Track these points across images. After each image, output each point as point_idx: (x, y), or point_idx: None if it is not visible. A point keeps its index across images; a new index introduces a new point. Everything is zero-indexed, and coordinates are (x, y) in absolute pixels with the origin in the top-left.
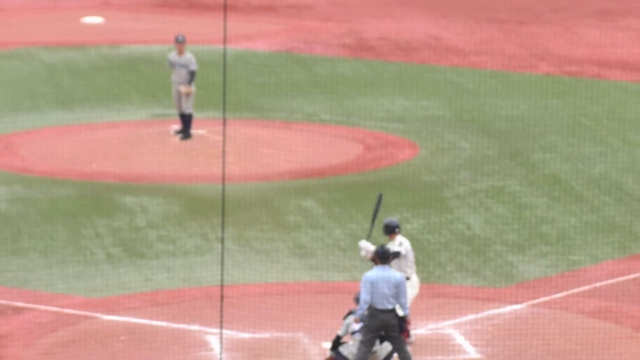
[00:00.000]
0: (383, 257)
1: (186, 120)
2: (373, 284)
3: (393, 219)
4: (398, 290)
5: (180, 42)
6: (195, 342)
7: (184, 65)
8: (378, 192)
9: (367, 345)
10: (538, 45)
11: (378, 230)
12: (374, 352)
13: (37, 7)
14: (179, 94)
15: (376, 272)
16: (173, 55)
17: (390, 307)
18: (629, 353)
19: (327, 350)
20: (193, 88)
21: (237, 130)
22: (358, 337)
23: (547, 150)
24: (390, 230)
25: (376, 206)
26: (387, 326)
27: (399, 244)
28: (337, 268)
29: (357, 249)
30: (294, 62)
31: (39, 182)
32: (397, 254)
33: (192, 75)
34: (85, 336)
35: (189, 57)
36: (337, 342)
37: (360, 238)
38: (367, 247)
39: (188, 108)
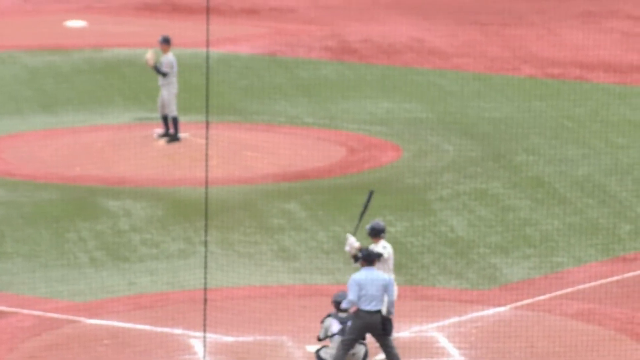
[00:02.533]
0: (368, 259)
1: (173, 124)
2: (361, 286)
3: (380, 222)
4: (386, 291)
5: (160, 43)
6: (178, 346)
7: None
8: (370, 189)
9: (347, 346)
10: (521, 48)
11: (362, 231)
12: (354, 355)
13: (19, 10)
14: (162, 98)
15: (364, 274)
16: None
17: (376, 308)
18: (613, 355)
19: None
20: (171, 81)
21: (220, 134)
22: (338, 339)
23: (531, 152)
24: (376, 233)
25: (366, 202)
26: (372, 328)
27: (383, 247)
28: (321, 271)
29: (345, 242)
30: (277, 65)
31: (22, 186)
32: (379, 255)
33: (156, 70)
34: (69, 340)
35: (164, 57)
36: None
37: (343, 241)
38: (353, 242)
39: (172, 111)
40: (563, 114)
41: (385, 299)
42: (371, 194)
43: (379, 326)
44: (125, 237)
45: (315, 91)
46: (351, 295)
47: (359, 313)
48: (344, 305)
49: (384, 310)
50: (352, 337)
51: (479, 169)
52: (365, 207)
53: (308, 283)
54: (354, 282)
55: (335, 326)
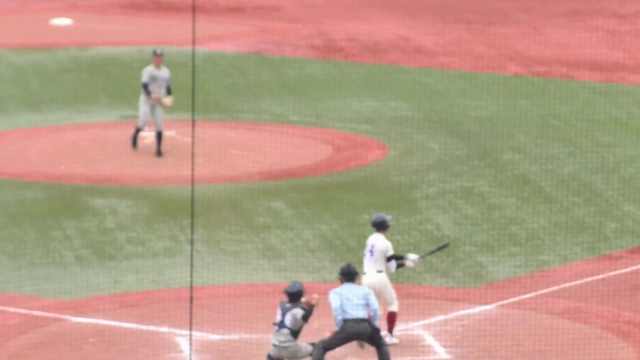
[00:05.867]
0: (349, 276)
1: (135, 134)
2: (341, 296)
3: (385, 215)
4: (368, 302)
5: (158, 55)
6: (164, 344)
7: (164, 78)
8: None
9: (326, 349)
10: (507, 46)
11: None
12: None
13: (5, 9)
14: (154, 106)
15: (344, 289)
16: (151, 69)
17: (363, 315)
18: (599, 353)
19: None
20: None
21: (206, 132)
22: (276, 329)
23: (516, 150)
24: (386, 226)
25: (439, 248)
26: (360, 336)
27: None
28: (307, 269)
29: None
30: (262, 63)
31: (7, 184)
32: (402, 264)
33: (169, 90)
34: (55, 338)
35: (167, 71)
36: None
37: (329, 239)
38: (415, 259)
39: (159, 125)
40: (549, 112)
41: (369, 309)
42: (446, 245)
43: (368, 336)
44: (110, 236)
45: (301, 89)
46: (334, 303)
47: (346, 323)
48: (336, 323)
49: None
50: (335, 343)
51: (465, 167)
52: (437, 249)
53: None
54: (334, 294)
55: (277, 316)
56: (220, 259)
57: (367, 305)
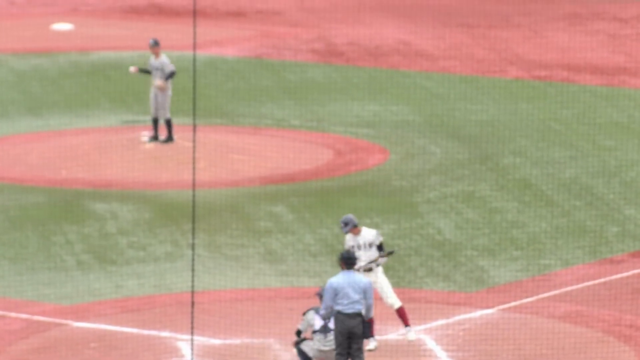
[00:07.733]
0: (349, 262)
1: (168, 126)
2: (338, 290)
3: (349, 215)
4: (365, 295)
5: (151, 46)
6: (166, 349)
7: (158, 68)
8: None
9: (343, 353)
10: (507, 50)
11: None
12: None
13: (5, 13)
14: (156, 96)
15: (341, 278)
16: (151, 60)
17: (357, 311)
18: (600, 357)
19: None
20: (168, 85)
21: (207, 136)
22: (319, 336)
23: (517, 154)
24: (355, 224)
25: (387, 253)
26: (353, 331)
27: (377, 234)
28: (308, 273)
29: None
30: (263, 67)
31: (8, 189)
32: (391, 252)
33: (170, 75)
34: (56, 343)
35: (162, 59)
36: (298, 336)
37: (330, 244)
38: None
39: (165, 114)
40: (550, 116)
41: (365, 302)
42: (391, 252)
43: (360, 330)
44: (112, 240)
45: (302, 94)
46: (327, 301)
47: (339, 317)
48: (321, 313)
49: (363, 312)
50: (340, 346)
51: (466, 171)
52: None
53: (295, 286)
54: (330, 287)
55: (317, 322)
56: (221, 263)
57: (365, 298)
